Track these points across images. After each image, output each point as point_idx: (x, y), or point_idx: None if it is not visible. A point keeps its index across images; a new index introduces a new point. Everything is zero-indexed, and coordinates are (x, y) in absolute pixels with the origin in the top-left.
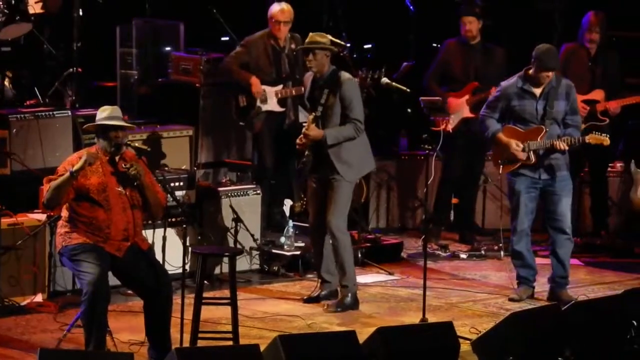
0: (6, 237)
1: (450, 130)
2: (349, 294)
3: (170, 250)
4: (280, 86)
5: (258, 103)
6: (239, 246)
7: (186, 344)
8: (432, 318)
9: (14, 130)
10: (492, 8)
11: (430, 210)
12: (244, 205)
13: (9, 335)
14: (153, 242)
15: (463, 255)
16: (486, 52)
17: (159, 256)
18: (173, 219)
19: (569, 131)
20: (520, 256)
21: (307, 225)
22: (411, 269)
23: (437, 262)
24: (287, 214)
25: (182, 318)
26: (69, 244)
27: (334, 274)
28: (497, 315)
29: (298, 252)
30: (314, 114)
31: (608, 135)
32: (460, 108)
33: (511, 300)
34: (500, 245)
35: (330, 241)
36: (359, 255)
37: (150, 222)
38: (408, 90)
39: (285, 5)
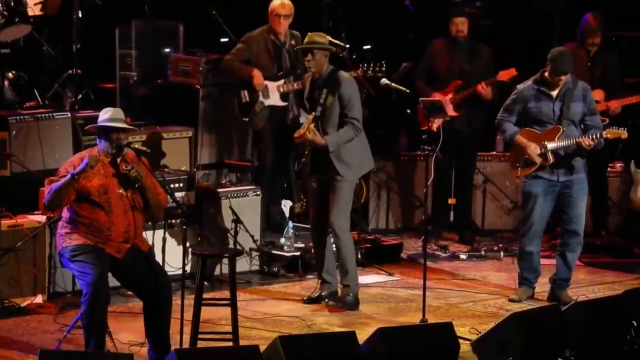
0: (6, 239)
1: (435, 130)
2: (351, 293)
3: (170, 251)
4: (282, 81)
5: (260, 98)
6: (238, 247)
7: (186, 345)
8: (432, 318)
9: (14, 131)
10: (491, 8)
11: (430, 211)
12: (243, 206)
13: (9, 336)
14: (153, 243)
15: (463, 256)
16: (472, 50)
17: (158, 257)
18: (173, 220)
19: (591, 132)
20: (529, 258)
21: (306, 226)
22: (411, 269)
23: (437, 262)
24: (287, 214)
25: (181, 319)
26: (69, 245)
27: (334, 275)
28: (496, 315)
29: (298, 253)
30: (313, 114)
31: (625, 129)
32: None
33: (511, 300)
34: (500, 245)
35: (333, 241)
36: (359, 256)
37: (150, 223)
38: (407, 90)
39: (285, 0)
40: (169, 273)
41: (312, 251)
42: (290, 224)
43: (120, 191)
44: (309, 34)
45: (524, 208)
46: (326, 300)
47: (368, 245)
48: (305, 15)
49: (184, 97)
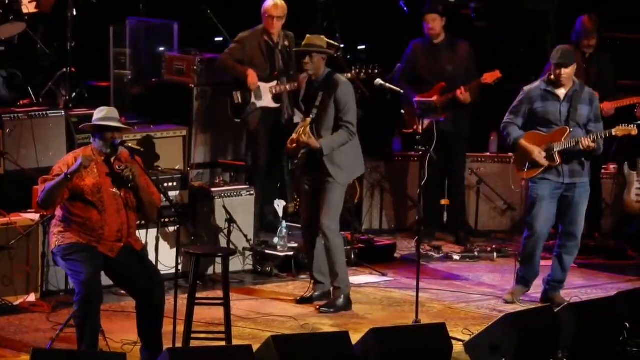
0: None
1: (420, 132)
2: (342, 296)
3: (163, 250)
4: (275, 82)
5: (252, 99)
6: (232, 247)
7: (179, 344)
8: (425, 319)
9: (8, 130)
10: (485, 9)
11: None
12: (237, 206)
13: (2, 335)
14: (146, 243)
15: (456, 257)
16: (451, 49)
17: (152, 256)
18: (166, 220)
19: (591, 134)
20: (531, 260)
21: (300, 225)
22: (404, 270)
23: (431, 263)
24: (281, 214)
25: (174, 318)
26: (62, 244)
27: (327, 275)
28: (489, 316)
29: (291, 253)
30: (309, 118)
31: (635, 125)
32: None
33: (506, 302)
34: (494, 246)
35: (323, 242)
36: (352, 256)
37: (144, 222)
38: (401, 91)
39: (278, 0)
40: (162, 272)
41: (304, 251)
42: (284, 223)
43: (114, 190)
44: (307, 36)
45: (531, 210)
46: (318, 307)
47: (361, 246)
48: (299, 15)
49: (178, 96)
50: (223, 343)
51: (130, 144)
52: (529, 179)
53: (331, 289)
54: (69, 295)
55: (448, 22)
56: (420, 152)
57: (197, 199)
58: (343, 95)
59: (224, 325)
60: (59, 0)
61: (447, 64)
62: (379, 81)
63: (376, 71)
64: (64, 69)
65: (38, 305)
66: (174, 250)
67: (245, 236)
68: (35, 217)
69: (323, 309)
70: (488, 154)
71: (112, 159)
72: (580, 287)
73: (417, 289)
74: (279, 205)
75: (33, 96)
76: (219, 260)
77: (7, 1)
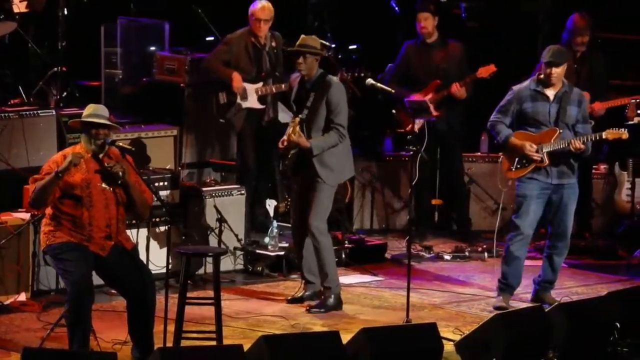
0: None
1: (417, 130)
2: (332, 295)
3: (154, 250)
4: (261, 84)
5: (238, 100)
6: (222, 246)
7: (170, 343)
8: (415, 319)
9: None
10: (477, 10)
11: (414, 212)
12: (228, 205)
13: None
14: (137, 242)
15: (447, 257)
16: (444, 48)
17: (142, 256)
18: (157, 219)
19: (581, 136)
20: (516, 264)
21: (291, 225)
22: (395, 270)
23: (421, 263)
24: (271, 214)
25: (165, 318)
26: (53, 243)
27: (317, 275)
28: (480, 316)
29: (282, 253)
30: (299, 117)
31: (626, 129)
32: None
33: (498, 309)
34: (485, 246)
35: (312, 243)
36: (343, 256)
37: (135, 221)
38: (393, 91)
39: (265, 3)
40: (153, 272)
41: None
42: (275, 223)
43: (103, 186)
44: (302, 36)
45: (518, 211)
46: (308, 307)
47: (352, 246)
48: (290, 15)
49: (169, 95)
50: (214, 343)
51: (121, 144)
52: (516, 179)
53: (321, 289)
54: (59, 294)
55: (440, 21)
56: (411, 152)
57: (188, 198)
58: (335, 96)
59: (215, 324)
60: None
61: (441, 62)
62: (370, 81)
63: (368, 74)
64: (55, 69)
65: (29, 305)
66: (165, 249)
67: (236, 236)
68: (26, 216)
69: (314, 309)
70: (479, 153)
71: (101, 156)
72: (571, 287)
73: (408, 289)
74: (270, 205)
75: (24, 95)
76: (209, 259)
77: None
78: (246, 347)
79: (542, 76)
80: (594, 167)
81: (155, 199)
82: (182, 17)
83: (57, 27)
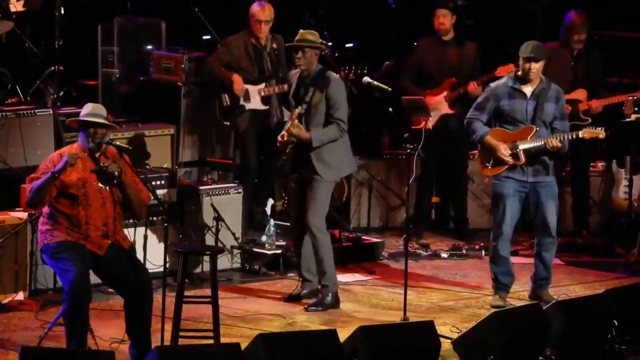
0: None
1: (431, 128)
2: (330, 294)
3: (151, 248)
4: (263, 85)
5: (241, 102)
6: (220, 245)
7: (167, 342)
8: (413, 317)
9: None
10: (474, 7)
11: (412, 210)
12: (225, 204)
13: None
14: (134, 241)
15: (444, 255)
16: (460, 47)
17: (140, 255)
18: (154, 218)
19: (558, 133)
20: (504, 262)
21: (288, 224)
22: (392, 268)
23: (419, 261)
24: (269, 212)
25: (163, 316)
26: (51, 242)
27: (315, 273)
28: (478, 314)
29: (279, 251)
30: (298, 109)
31: (603, 128)
32: (439, 105)
33: (496, 307)
34: (482, 244)
35: (310, 240)
36: (340, 255)
37: (132, 220)
38: (389, 89)
39: (266, 4)
40: (150, 270)
41: (292, 249)
42: (272, 222)
43: (99, 185)
44: (300, 31)
45: (496, 210)
46: (306, 305)
47: (349, 244)
48: (287, 14)
49: (166, 94)
50: (211, 341)
51: (118, 143)
52: (492, 176)
53: (319, 287)
54: (57, 293)
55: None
56: (408, 150)
57: (185, 197)
58: (334, 91)
59: (212, 323)
60: None
61: (456, 61)
62: (366, 79)
63: (365, 71)
64: (52, 68)
65: (26, 304)
66: (162, 248)
67: (233, 234)
68: (24, 215)
69: (311, 307)
70: (476, 151)
71: (98, 155)
72: (568, 285)
73: (405, 287)
74: (267, 203)
75: (21, 95)
76: (207, 258)
77: None
78: (243, 346)
79: (519, 72)
80: (591, 164)
81: (153, 197)
82: (179, 16)
83: (54, 26)
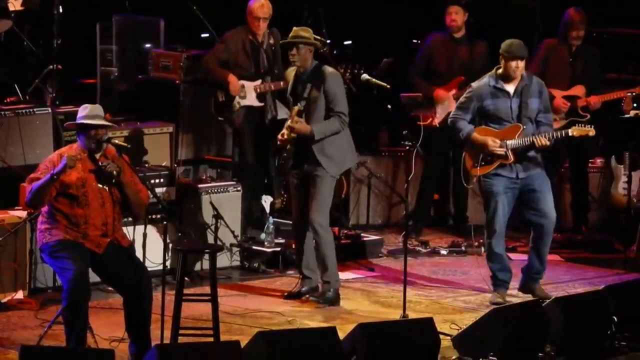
0: None
1: (437, 124)
2: (331, 290)
3: (151, 247)
4: (259, 81)
5: (237, 98)
6: (219, 243)
7: (167, 340)
8: (412, 314)
9: None
10: (473, 5)
11: (411, 207)
12: (224, 202)
13: None
14: (133, 239)
15: (443, 252)
16: (470, 46)
17: (139, 253)
18: (153, 216)
19: (542, 129)
20: (500, 259)
21: (287, 221)
22: (392, 265)
23: (418, 258)
24: (268, 210)
25: (162, 314)
26: (50, 241)
27: (315, 270)
28: (477, 311)
29: (278, 249)
30: (298, 106)
31: (592, 126)
32: (447, 101)
33: (495, 304)
34: (481, 241)
35: (313, 237)
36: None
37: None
38: (388, 86)
39: (264, 1)
40: (150, 269)
41: (293, 246)
42: (271, 219)
43: (99, 185)
44: (294, 28)
45: (488, 208)
46: (307, 295)
47: (349, 241)
48: (286, 11)
49: (164, 92)
50: (211, 339)
51: (117, 141)
52: (482, 176)
53: (320, 283)
54: (56, 292)
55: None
56: (407, 147)
57: (184, 195)
58: (331, 85)
59: (212, 321)
60: None
61: (466, 59)
62: (365, 76)
63: (362, 71)
64: (51, 66)
65: (26, 303)
66: (161, 246)
67: (233, 232)
68: (23, 214)
69: (312, 298)
70: None
71: (98, 155)
72: (568, 281)
73: (405, 284)
74: (266, 201)
75: (20, 93)
76: (206, 256)
77: None
78: (243, 343)
79: (501, 71)
80: (590, 161)
81: (152, 196)
82: (178, 14)
83: (52, 24)
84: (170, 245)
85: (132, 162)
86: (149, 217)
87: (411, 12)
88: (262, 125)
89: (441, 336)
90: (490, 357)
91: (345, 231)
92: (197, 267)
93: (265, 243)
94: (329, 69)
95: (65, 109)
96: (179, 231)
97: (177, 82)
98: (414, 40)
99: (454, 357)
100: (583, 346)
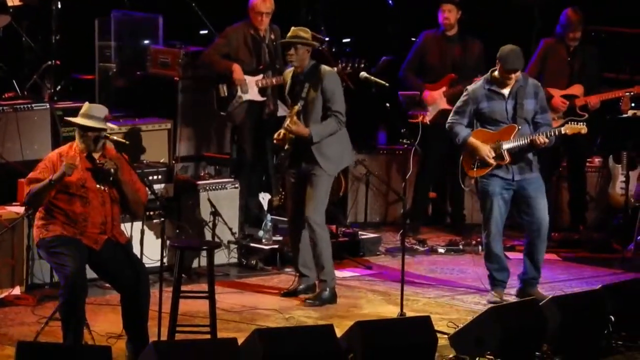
0: None
1: (428, 123)
2: (327, 288)
3: (148, 243)
4: (261, 76)
5: (239, 92)
6: (217, 240)
7: (164, 337)
8: (409, 312)
9: None
10: (470, 3)
11: (409, 205)
12: (222, 199)
13: None
14: (131, 236)
15: (441, 250)
16: (463, 44)
17: (137, 249)
18: (151, 213)
19: (542, 130)
20: (497, 259)
21: (285, 219)
22: (389, 263)
23: (415, 256)
24: (265, 207)
25: (159, 311)
26: (47, 236)
27: (312, 268)
28: (474, 309)
29: (276, 246)
30: (296, 106)
31: (585, 124)
32: (437, 100)
33: (492, 303)
34: (479, 239)
35: (309, 235)
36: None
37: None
38: (387, 84)
39: None
40: (147, 265)
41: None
42: (269, 217)
43: (98, 185)
44: (292, 28)
45: (484, 209)
46: (304, 299)
47: (346, 239)
48: (284, 8)
49: (163, 89)
50: (208, 336)
51: (115, 137)
52: (478, 177)
53: (317, 281)
54: (54, 288)
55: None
56: (405, 146)
57: (182, 192)
58: (329, 85)
59: (209, 318)
60: None
61: (459, 58)
62: (364, 74)
63: (362, 65)
64: (49, 62)
65: (23, 299)
66: (159, 243)
67: (230, 229)
68: (21, 210)
69: (308, 300)
70: None
71: (97, 155)
72: (565, 281)
73: (402, 282)
74: (264, 198)
75: (18, 89)
76: (204, 253)
77: None
78: (240, 341)
79: (496, 74)
80: (588, 160)
81: (150, 192)
82: (176, 11)
83: (51, 20)
84: (168, 242)
85: (131, 158)
86: (147, 213)
87: (410, 10)
88: (261, 120)
89: (438, 334)
90: (488, 356)
91: (343, 229)
92: (195, 264)
93: (263, 240)
94: (326, 68)
95: (63, 105)
96: (177, 228)
97: (176, 78)
98: (413, 38)
99: (451, 356)
100: (580, 345)
